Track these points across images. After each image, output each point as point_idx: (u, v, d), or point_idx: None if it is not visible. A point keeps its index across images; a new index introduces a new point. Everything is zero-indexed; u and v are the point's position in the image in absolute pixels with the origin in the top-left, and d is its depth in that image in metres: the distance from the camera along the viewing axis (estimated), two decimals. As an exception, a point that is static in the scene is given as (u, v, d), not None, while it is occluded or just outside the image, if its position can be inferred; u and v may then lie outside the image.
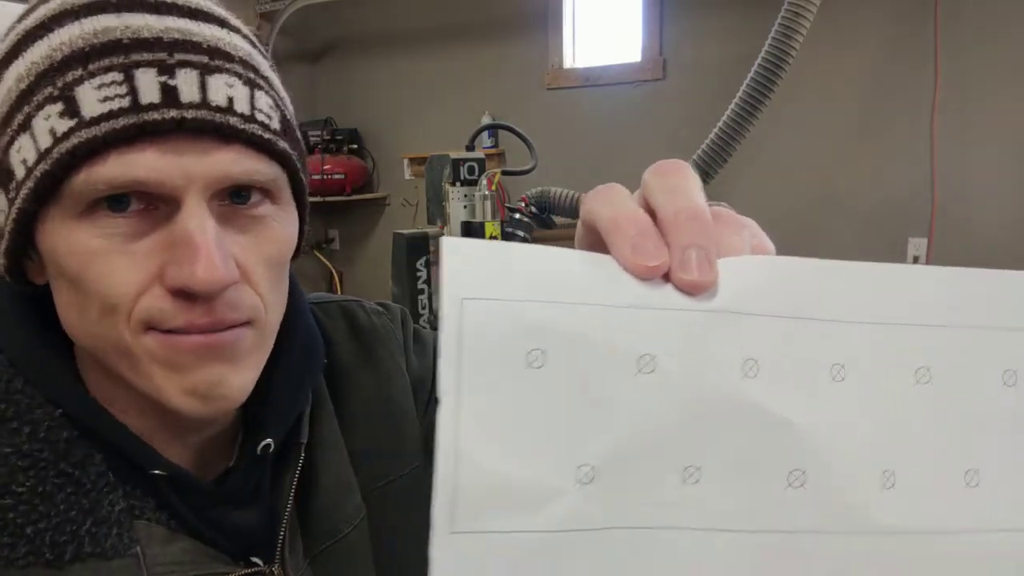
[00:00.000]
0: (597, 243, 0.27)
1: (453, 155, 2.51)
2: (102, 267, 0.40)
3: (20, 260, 0.44)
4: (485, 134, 3.43)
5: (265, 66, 0.46)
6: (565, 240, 2.51)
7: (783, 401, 0.26)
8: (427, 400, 0.62)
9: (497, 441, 0.24)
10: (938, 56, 2.59)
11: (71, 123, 0.39)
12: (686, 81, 3.11)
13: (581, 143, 3.37)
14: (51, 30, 0.41)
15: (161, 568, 0.44)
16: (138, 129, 0.39)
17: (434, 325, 2.62)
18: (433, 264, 2.52)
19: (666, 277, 0.26)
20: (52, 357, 0.45)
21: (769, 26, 2.32)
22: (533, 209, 2.56)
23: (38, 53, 0.41)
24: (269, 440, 0.49)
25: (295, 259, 0.50)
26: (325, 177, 3.80)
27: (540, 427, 0.25)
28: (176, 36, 0.41)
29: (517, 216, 2.53)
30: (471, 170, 2.50)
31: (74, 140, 0.39)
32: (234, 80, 0.42)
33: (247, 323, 0.43)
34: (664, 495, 0.25)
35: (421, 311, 2.47)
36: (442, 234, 2.52)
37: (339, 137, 3.95)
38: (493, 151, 3.48)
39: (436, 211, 2.58)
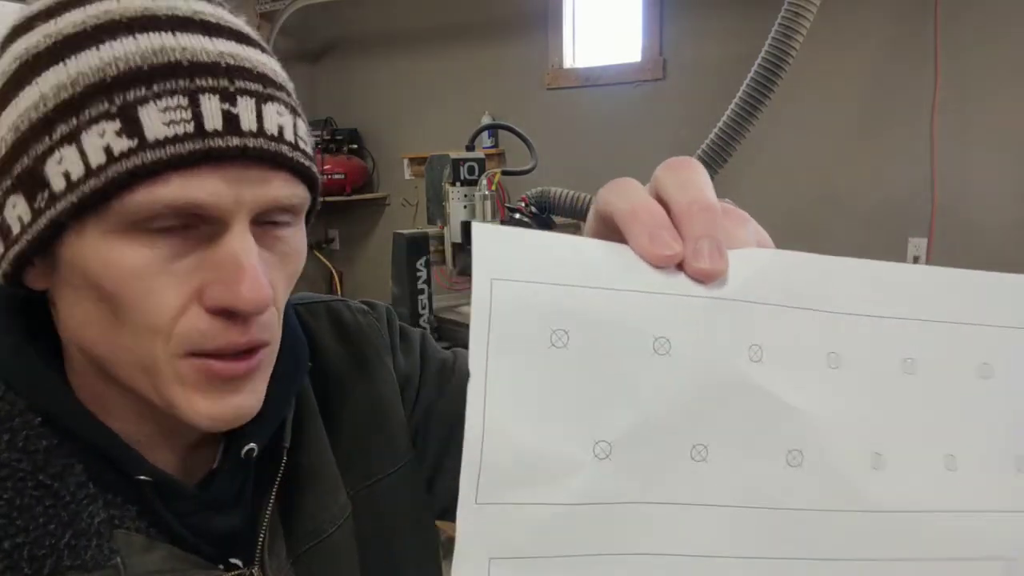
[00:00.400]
0: (611, 233, 0.29)
1: (453, 155, 2.51)
2: (144, 286, 0.40)
3: (23, 265, 0.44)
4: (485, 134, 3.43)
5: (292, 87, 0.48)
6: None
7: (784, 385, 0.28)
8: (414, 398, 0.63)
9: (522, 417, 0.26)
10: (938, 56, 2.59)
11: (131, 143, 0.39)
12: (686, 81, 3.11)
13: (581, 143, 3.37)
14: (101, 41, 0.40)
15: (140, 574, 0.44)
16: (204, 155, 0.40)
17: (434, 325, 2.62)
18: (433, 264, 2.52)
19: (680, 266, 0.27)
20: (38, 363, 0.45)
21: (769, 26, 2.32)
22: (533, 209, 2.56)
23: (86, 64, 0.40)
24: (253, 445, 0.49)
25: None
26: (325, 177, 3.79)
27: (561, 404, 0.26)
28: (231, 62, 0.42)
29: (517, 216, 2.53)
30: (471, 170, 2.50)
31: (135, 161, 0.39)
32: (283, 109, 0.44)
33: (268, 343, 0.45)
34: (674, 471, 0.27)
35: (421, 311, 2.47)
36: (442, 234, 2.52)
37: (339, 137, 3.95)
38: (493, 151, 3.49)
39: (436, 211, 2.58)
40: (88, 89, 0.40)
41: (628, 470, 0.27)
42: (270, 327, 0.44)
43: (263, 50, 0.46)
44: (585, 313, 0.27)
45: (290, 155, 0.43)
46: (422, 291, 2.47)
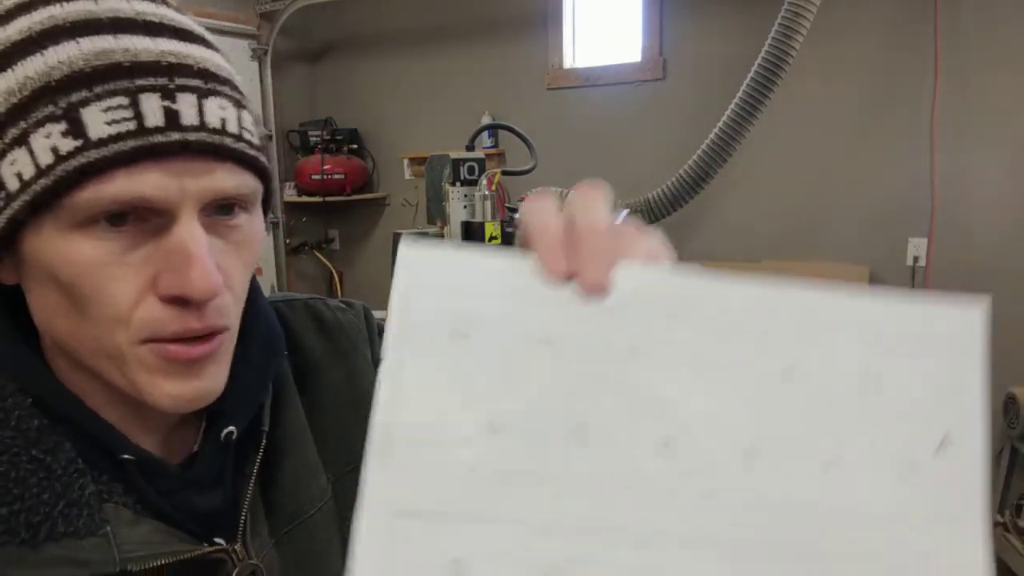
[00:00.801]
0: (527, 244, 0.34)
1: (453, 155, 2.51)
2: (100, 278, 0.43)
3: None
4: (485, 134, 3.43)
5: (239, 80, 0.49)
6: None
7: (659, 382, 0.31)
8: None
9: (425, 393, 0.31)
10: (938, 56, 2.59)
11: (76, 143, 0.41)
12: (686, 81, 3.11)
13: (581, 143, 3.37)
14: (44, 47, 0.42)
15: (129, 547, 0.46)
16: (147, 151, 0.42)
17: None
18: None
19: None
20: (25, 349, 0.48)
21: (769, 26, 2.32)
22: (533, 209, 2.55)
23: (32, 69, 0.42)
24: (232, 428, 0.52)
25: None
26: (325, 177, 3.80)
27: (459, 388, 0.31)
28: (172, 60, 0.44)
29: (517, 216, 2.52)
30: (471, 170, 2.50)
31: (81, 160, 0.41)
32: (225, 102, 0.46)
33: (226, 327, 0.47)
34: (552, 451, 0.31)
35: (421, 311, 2.46)
36: (442, 234, 2.52)
37: (339, 137, 3.95)
38: (493, 151, 3.48)
39: (436, 211, 2.58)
40: (34, 93, 0.42)
41: (514, 446, 0.31)
42: (226, 313, 0.46)
43: (207, 45, 0.48)
44: (486, 314, 0.32)
45: (233, 146, 0.45)
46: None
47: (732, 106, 2.40)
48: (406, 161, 3.41)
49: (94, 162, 0.41)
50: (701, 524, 0.30)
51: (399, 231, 2.52)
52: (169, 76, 0.43)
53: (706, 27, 3.04)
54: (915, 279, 2.71)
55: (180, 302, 0.43)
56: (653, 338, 0.31)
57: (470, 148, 2.60)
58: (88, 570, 0.45)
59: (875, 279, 2.78)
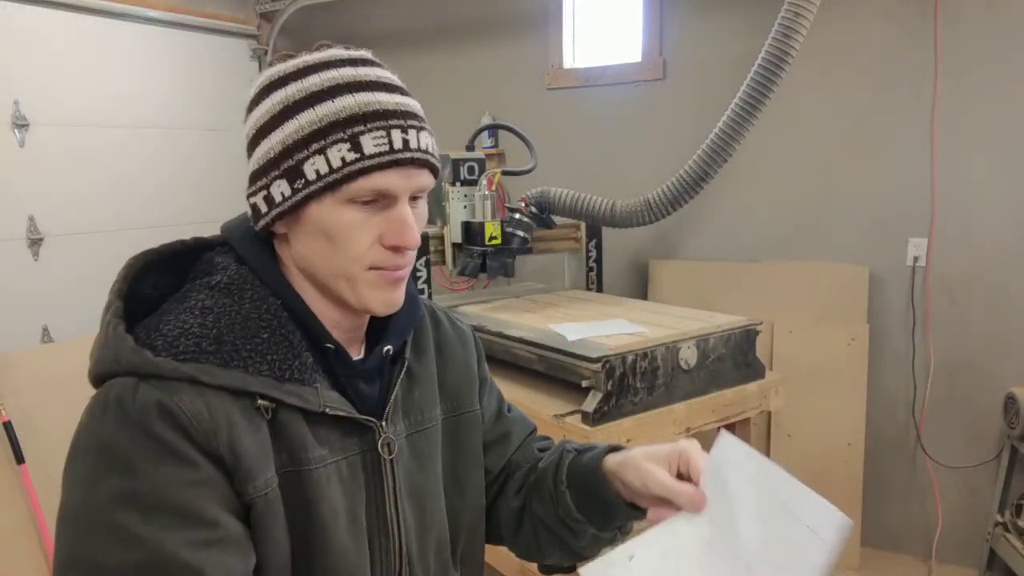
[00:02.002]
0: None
1: (453, 155, 2.51)
2: (354, 232, 0.73)
3: (275, 220, 0.75)
4: (485, 134, 3.43)
5: (423, 112, 0.79)
6: (564, 240, 2.49)
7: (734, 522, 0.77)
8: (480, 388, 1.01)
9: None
10: (938, 56, 2.59)
11: (356, 155, 0.71)
12: (686, 81, 3.11)
13: (581, 143, 3.37)
14: (333, 97, 0.72)
15: (325, 401, 0.75)
16: (393, 163, 0.72)
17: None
18: (433, 264, 2.51)
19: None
20: (277, 271, 0.78)
21: (769, 26, 2.32)
22: (533, 209, 2.55)
23: (328, 110, 0.72)
24: (389, 347, 0.84)
25: None
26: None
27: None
28: (403, 108, 0.75)
29: (517, 216, 2.53)
30: (471, 170, 2.50)
31: (359, 165, 0.71)
32: (425, 134, 0.76)
33: (411, 266, 0.79)
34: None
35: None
36: (442, 234, 2.52)
37: (339, 137, 3.94)
38: (493, 151, 3.48)
39: (436, 211, 2.58)
40: (328, 125, 0.71)
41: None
42: (411, 258, 0.78)
43: (410, 95, 0.78)
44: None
45: (432, 161, 0.76)
46: (422, 291, 2.47)
47: (732, 106, 2.39)
48: (406, 161, 3.40)
49: (366, 167, 0.71)
50: None
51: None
52: (403, 118, 0.74)
53: (706, 27, 3.04)
54: (915, 279, 2.71)
55: (395, 249, 0.75)
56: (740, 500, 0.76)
57: (470, 148, 2.59)
58: (307, 404, 0.74)
59: (875, 279, 2.78)
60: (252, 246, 0.79)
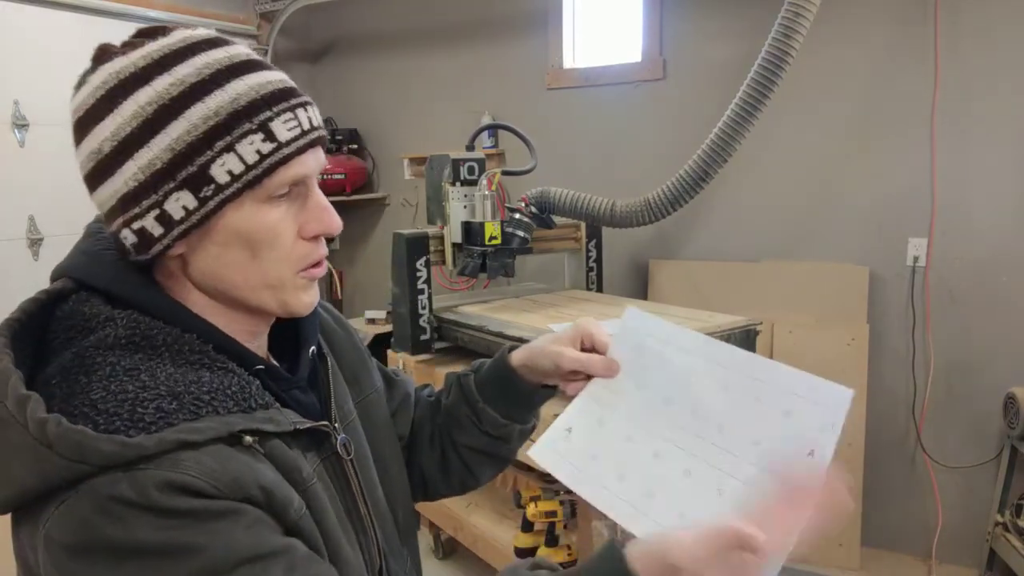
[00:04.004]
0: None
1: (453, 155, 2.51)
2: (278, 232, 0.66)
3: (175, 241, 0.64)
4: (485, 134, 3.43)
5: None
6: (564, 240, 2.48)
7: (703, 394, 0.81)
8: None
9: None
10: (938, 56, 2.59)
11: (272, 145, 0.63)
12: (686, 81, 3.11)
13: (581, 143, 3.37)
14: (221, 85, 0.62)
15: (290, 419, 0.70)
16: (309, 145, 0.67)
17: (434, 325, 2.59)
18: (433, 264, 2.51)
19: None
20: (177, 305, 0.68)
21: (769, 26, 2.32)
22: (533, 209, 2.55)
23: (221, 99, 0.62)
24: (313, 347, 0.81)
25: None
26: (325, 177, 3.79)
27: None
28: (288, 84, 0.67)
29: (517, 216, 2.52)
30: (471, 170, 2.50)
31: (277, 155, 0.64)
32: (313, 108, 0.69)
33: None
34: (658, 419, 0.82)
35: (421, 311, 2.47)
36: (442, 234, 2.52)
37: (339, 137, 3.95)
38: (493, 151, 3.48)
39: (436, 211, 2.58)
40: (230, 116, 0.62)
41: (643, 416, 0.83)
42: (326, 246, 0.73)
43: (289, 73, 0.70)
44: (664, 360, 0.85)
45: (325, 138, 0.71)
46: (422, 291, 2.47)
47: (732, 106, 2.39)
48: (406, 161, 3.41)
49: (286, 156, 0.64)
50: (700, 446, 0.77)
51: (399, 231, 2.52)
52: (296, 95, 0.67)
53: (706, 27, 3.04)
54: (915, 279, 2.71)
55: (316, 239, 0.70)
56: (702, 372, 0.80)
57: (470, 148, 2.59)
58: (280, 427, 0.68)
59: (875, 279, 2.78)
60: (133, 284, 0.67)
